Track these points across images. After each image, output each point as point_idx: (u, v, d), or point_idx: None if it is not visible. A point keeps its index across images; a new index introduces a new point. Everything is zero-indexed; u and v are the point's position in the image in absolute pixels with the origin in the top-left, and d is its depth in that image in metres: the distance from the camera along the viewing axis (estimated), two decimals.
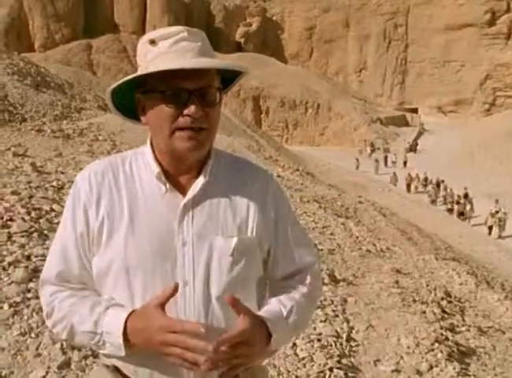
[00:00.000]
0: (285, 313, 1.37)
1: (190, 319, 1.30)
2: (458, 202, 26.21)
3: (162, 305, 1.21)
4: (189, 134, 1.28)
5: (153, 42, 1.29)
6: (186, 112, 1.26)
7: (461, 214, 25.27)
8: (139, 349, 1.27)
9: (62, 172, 7.58)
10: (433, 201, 28.21)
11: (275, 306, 1.38)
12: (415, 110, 68.04)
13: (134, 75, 1.30)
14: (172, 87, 1.26)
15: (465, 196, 27.03)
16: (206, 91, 1.29)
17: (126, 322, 1.25)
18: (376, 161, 38.81)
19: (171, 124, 1.28)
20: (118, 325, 1.25)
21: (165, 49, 1.27)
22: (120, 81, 1.32)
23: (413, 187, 31.79)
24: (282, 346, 1.42)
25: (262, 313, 1.34)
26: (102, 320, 1.28)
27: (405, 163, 38.95)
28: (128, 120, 1.45)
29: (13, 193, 5.67)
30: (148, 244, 1.30)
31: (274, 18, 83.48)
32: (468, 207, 25.28)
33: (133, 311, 1.27)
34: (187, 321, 1.24)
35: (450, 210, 26.20)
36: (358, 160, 39.57)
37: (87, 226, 1.34)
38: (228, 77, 1.40)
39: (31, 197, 5.68)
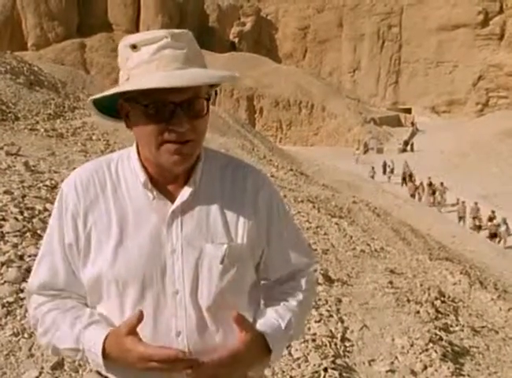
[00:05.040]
0: (284, 326, 1.36)
1: (181, 328, 1.29)
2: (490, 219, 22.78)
3: (134, 332, 1.20)
4: (175, 148, 1.22)
5: (134, 47, 1.22)
6: (171, 127, 1.21)
7: (493, 236, 21.96)
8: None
9: (56, 172, 7.52)
10: (461, 218, 24.55)
11: (273, 319, 1.37)
12: (409, 110, 68.26)
13: (116, 90, 1.23)
14: (155, 101, 1.19)
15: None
16: (193, 102, 1.22)
17: (105, 342, 1.24)
18: (406, 166, 34.86)
19: (156, 139, 1.22)
20: (97, 345, 1.24)
21: (147, 56, 1.20)
22: (102, 94, 1.27)
23: (418, 198, 29.19)
24: (278, 360, 1.46)
25: (261, 326, 1.34)
26: (82, 338, 1.27)
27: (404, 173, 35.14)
28: (113, 121, 1.40)
29: (6, 192, 5.62)
30: (137, 252, 1.28)
31: (268, 18, 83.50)
32: (503, 228, 21.91)
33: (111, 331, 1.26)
34: (166, 349, 1.21)
35: (479, 228, 23.29)
36: (373, 168, 35.07)
37: (76, 236, 1.31)
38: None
39: (24, 196, 5.64)
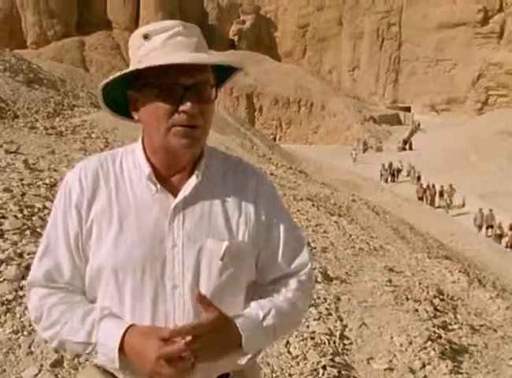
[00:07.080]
0: (261, 316, 1.31)
1: (179, 321, 1.28)
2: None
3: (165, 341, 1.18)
4: (184, 131, 1.25)
5: (146, 36, 1.25)
6: (182, 108, 1.23)
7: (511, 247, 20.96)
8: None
9: (55, 170, 7.52)
10: (480, 227, 23.20)
11: (252, 309, 1.33)
12: (408, 109, 68.22)
13: (128, 69, 1.26)
14: (167, 82, 1.22)
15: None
16: (202, 87, 1.25)
17: (124, 336, 1.22)
18: (412, 167, 33.47)
19: (166, 121, 1.24)
20: (115, 338, 1.22)
21: (159, 43, 1.24)
22: (113, 76, 1.28)
23: (426, 200, 27.79)
24: (257, 350, 1.37)
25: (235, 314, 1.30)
26: (95, 331, 1.24)
27: (408, 173, 34.23)
28: (118, 117, 1.41)
29: (5, 190, 5.63)
30: (138, 246, 1.28)
31: (268, 16, 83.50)
32: None
33: (132, 326, 1.24)
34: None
35: (500, 237, 22.21)
36: (381, 172, 33.65)
37: (81, 227, 1.31)
38: (222, 75, 1.36)
39: (23, 194, 5.64)
